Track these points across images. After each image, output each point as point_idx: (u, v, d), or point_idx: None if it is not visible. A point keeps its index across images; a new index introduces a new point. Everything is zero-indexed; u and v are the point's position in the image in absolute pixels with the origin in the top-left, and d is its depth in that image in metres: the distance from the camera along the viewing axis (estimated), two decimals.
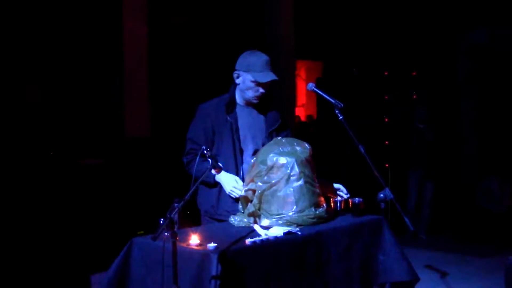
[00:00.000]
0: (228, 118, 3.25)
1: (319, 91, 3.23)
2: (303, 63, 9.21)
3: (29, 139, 5.56)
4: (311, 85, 3.27)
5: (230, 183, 3.15)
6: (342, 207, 3.24)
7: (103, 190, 5.41)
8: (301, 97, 10.85)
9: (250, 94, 3.25)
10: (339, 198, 3.26)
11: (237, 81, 3.28)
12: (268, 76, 3.21)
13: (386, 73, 8.54)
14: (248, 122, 3.31)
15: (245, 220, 2.92)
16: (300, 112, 9.60)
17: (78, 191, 5.36)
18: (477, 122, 8.59)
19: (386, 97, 8.53)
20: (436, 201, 7.26)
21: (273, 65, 3.33)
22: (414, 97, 8.55)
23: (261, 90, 3.23)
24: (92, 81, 6.19)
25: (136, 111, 6.36)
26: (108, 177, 5.49)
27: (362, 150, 3.06)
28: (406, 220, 2.95)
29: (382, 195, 2.99)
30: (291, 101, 8.13)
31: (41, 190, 5.26)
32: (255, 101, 3.29)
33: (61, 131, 5.85)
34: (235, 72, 3.29)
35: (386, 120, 8.42)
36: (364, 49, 8.61)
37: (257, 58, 3.24)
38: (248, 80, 3.23)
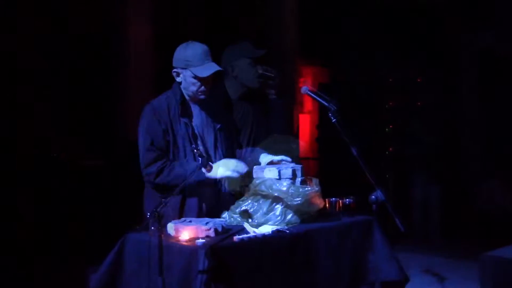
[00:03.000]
0: (182, 118, 3.04)
1: (312, 94, 3.18)
2: (309, 69, 9.24)
3: (20, 138, 5.52)
4: (305, 89, 3.22)
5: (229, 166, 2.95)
6: (335, 207, 3.29)
7: (102, 190, 5.46)
8: (308, 104, 10.89)
9: (194, 90, 3.03)
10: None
11: (178, 79, 3.07)
12: (209, 69, 2.97)
13: (390, 80, 8.56)
14: (199, 121, 3.12)
15: (236, 217, 2.97)
16: (305, 119, 9.62)
17: (79, 191, 5.43)
18: (479, 124, 8.60)
19: (391, 103, 8.55)
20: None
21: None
22: (418, 104, 8.56)
23: (205, 86, 3.02)
24: (96, 81, 6.19)
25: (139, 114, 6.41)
26: (108, 177, 5.54)
27: (354, 152, 3.08)
28: (397, 221, 2.97)
29: (373, 196, 3.02)
30: (292, 107, 8.10)
31: (40, 190, 5.33)
32: (201, 97, 3.08)
33: (62, 131, 5.85)
34: (174, 70, 3.07)
35: (391, 126, 8.43)
36: (369, 55, 8.63)
37: (194, 51, 2.99)
38: (189, 76, 3.00)
